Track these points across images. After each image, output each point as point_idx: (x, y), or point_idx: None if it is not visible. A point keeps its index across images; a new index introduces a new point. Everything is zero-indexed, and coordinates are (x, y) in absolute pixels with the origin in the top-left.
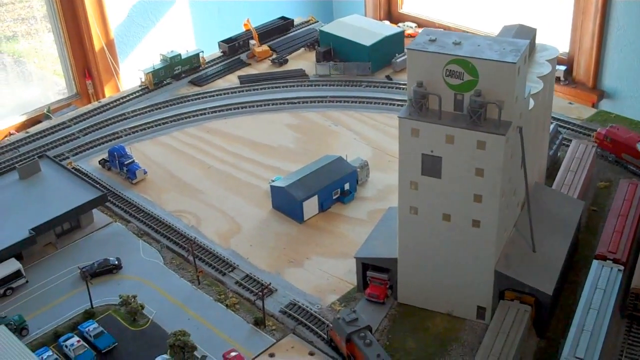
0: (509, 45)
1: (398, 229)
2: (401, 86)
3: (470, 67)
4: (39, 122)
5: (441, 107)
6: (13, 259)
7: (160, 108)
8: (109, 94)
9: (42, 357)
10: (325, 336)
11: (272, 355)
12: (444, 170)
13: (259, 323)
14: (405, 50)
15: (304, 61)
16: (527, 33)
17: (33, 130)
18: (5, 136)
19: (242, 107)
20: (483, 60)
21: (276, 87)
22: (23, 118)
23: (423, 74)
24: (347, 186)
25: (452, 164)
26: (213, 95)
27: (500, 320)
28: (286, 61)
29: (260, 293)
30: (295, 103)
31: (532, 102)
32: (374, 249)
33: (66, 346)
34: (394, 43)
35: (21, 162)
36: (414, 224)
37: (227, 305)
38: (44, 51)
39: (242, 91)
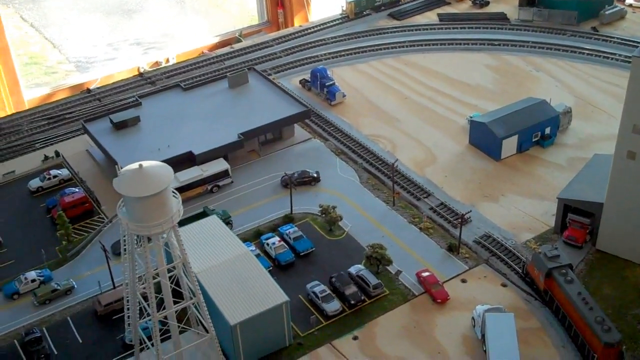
0: None
1: (610, 172)
2: (608, 39)
3: None
4: (229, 45)
5: None
6: (222, 159)
7: (359, 37)
8: (297, 24)
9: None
10: (520, 270)
11: (464, 281)
12: None
13: (453, 249)
14: None
15: (505, 5)
16: None
17: (237, 46)
18: (199, 54)
19: (441, 44)
20: None
21: (476, 28)
22: (216, 40)
23: None
24: (548, 130)
25: None
26: (412, 30)
27: None
28: (487, 3)
29: (457, 221)
30: (495, 45)
31: None
32: (578, 191)
33: (267, 244)
34: None
35: (231, 73)
36: (628, 170)
37: (420, 229)
38: None
39: (442, 28)
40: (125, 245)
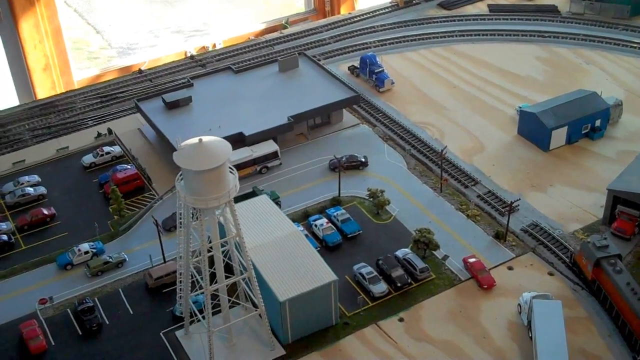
0: None
1: None
2: None
3: None
4: (275, 31)
5: None
6: (271, 141)
7: (408, 26)
8: (344, 12)
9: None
10: (568, 260)
11: (510, 268)
12: None
13: (500, 237)
14: None
15: None
16: None
17: (287, 32)
18: (245, 40)
19: (490, 35)
20: None
21: (527, 20)
22: (262, 26)
23: None
24: (598, 122)
25: None
26: (461, 20)
27: None
28: None
29: (505, 209)
30: (545, 37)
31: None
32: (629, 183)
33: (315, 225)
34: None
35: (282, 57)
36: None
37: (467, 216)
38: None
39: (491, 19)
40: (181, 218)
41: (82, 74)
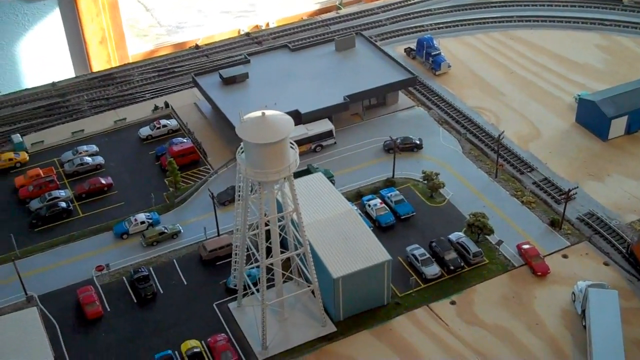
0: None
1: None
2: None
3: None
4: (328, 12)
5: None
6: (327, 120)
7: (465, 9)
8: None
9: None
10: (624, 250)
11: (565, 256)
12: None
13: (555, 224)
14: None
15: None
16: None
17: (343, 12)
18: (299, 20)
19: (550, 21)
20: None
21: (587, 7)
22: (316, 7)
23: None
24: None
25: None
26: (520, 5)
27: None
28: None
29: (562, 197)
30: (606, 25)
31: None
32: None
33: (369, 205)
34: None
35: (338, 36)
36: None
37: (522, 202)
38: None
39: (551, 5)
40: (240, 191)
41: (136, 48)
